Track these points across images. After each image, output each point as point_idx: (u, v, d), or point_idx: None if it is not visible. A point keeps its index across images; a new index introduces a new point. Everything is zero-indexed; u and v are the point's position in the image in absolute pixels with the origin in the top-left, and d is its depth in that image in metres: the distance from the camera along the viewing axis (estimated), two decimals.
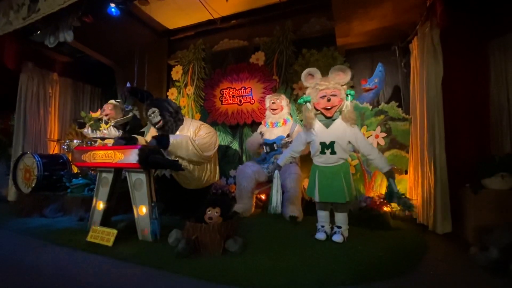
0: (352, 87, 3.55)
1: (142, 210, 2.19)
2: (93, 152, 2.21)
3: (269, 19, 4.39)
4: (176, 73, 4.91)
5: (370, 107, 3.10)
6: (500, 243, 1.67)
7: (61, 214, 2.96)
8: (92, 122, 3.37)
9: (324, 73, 4.04)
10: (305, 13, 4.17)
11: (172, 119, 2.74)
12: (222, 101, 4.06)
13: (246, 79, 3.90)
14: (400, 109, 3.01)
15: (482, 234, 2.03)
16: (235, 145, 4.08)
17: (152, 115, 2.75)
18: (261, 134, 3.10)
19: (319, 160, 2.27)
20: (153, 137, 2.42)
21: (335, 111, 2.18)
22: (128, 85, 3.36)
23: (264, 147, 3.09)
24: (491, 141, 2.56)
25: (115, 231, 2.07)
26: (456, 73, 2.51)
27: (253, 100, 3.84)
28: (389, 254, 1.86)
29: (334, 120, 2.21)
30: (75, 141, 3.27)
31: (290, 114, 3.42)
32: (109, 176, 2.35)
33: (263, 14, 4.43)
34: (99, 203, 2.39)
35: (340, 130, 2.18)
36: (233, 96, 3.97)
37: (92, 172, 3.24)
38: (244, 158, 4.02)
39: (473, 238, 2.13)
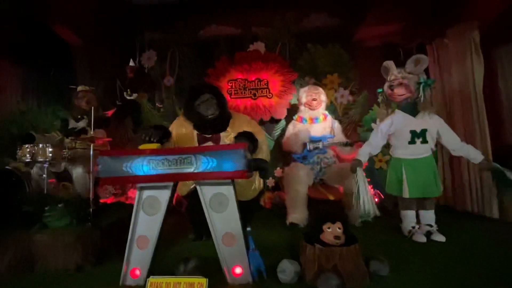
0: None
1: (229, 239, 1.50)
2: (155, 157, 1.35)
3: (265, 8, 4.02)
4: (148, 59, 3.92)
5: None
6: None
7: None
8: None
9: (330, 69, 4.00)
10: (304, 7, 4.00)
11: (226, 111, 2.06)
12: (231, 93, 3.41)
13: (261, 69, 3.40)
14: None
15: None
16: None
17: (204, 103, 1.98)
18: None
19: (405, 152, 2.15)
20: (240, 134, 1.70)
21: (404, 99, 2.13)
22: (132, 63, 2.36)
23: (308, 144, 2.72)
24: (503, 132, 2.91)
25: (203, 280, 1.33)
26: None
27: (270, 94, 3.37)
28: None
29: (419, 109, 2.14)
30: (41, 145, 2.04)
31: None
32: (161, 195, 1.52)
33: (258, 1, 4.02)
34: (144, 239, 1.52)
35: (428, 118, 2.12)
36: (245, 88, 3.40)
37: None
38: None
39: None
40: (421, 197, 2.12)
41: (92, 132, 2.15)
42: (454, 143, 2.11)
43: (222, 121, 2.06)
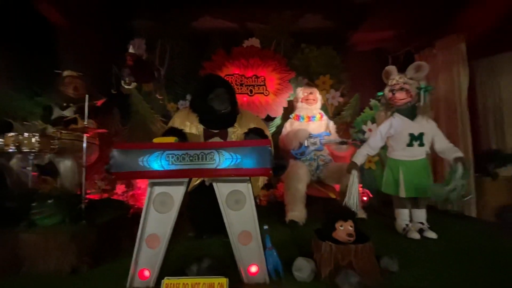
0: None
1: (245, 238, 1.47)
2: (175, 151, 1.27)
3: (261, 4, 3.98)
4: (138, 48, 3.71)
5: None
6: None
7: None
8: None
9: (322, 70, 4.07)
10: (300, 7, 4.03)
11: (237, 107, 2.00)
12: None
13: (258, 66, 3.37)
14: None
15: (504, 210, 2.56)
16: None
17: (218, 97, 1.89)
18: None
19: (402, 153, 2.27)
20: (251, 130, 1.63)
21: (404, 104, 2.23)
22: (131, 50, 2.17)
23: (306, 140, 2.74)
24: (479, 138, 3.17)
25: (224, 280, 1.29)
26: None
27: (267, 92, 3.35)
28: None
29: (417, 114, 2.25)
30: (26, 134, 1.81)
31: None
32: (175, 192, 1.44)
33: None
34: (154, 238, 1.44)
35: (425, 123, 2.24)
36: (241, 84, 3.34)
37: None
38: None
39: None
40: (415, 197, 2.24)
41: (85, 122, 1.97)
42: (446, 147, 2.24)
43: (232, 116, 2.00)
